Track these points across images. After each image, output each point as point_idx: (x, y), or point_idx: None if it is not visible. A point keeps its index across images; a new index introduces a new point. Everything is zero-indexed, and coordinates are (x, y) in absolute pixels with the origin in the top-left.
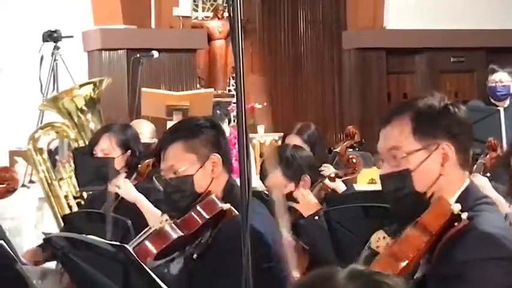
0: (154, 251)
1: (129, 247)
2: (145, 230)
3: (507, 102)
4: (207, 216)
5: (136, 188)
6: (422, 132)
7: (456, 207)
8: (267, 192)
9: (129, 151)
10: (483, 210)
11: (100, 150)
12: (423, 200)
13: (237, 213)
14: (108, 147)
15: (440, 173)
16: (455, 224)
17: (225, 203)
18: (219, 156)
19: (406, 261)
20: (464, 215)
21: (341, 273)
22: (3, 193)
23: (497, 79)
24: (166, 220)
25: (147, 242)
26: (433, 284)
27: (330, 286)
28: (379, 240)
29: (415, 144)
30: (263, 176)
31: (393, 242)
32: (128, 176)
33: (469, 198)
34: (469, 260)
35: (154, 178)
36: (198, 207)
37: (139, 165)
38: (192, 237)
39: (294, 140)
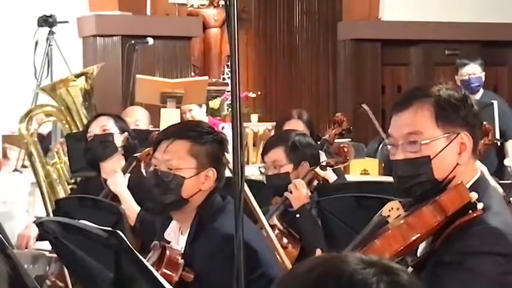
0: (175, 278)
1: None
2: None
3: (479, 94)
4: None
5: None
6: (444, 120)
7: (474, 195)
8: (262, 170)
9: (126, 133)
10: (492, 204)
11: (100, 127)
12: (439, 187)
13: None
14: (107, 125)
15: (457, 162)
16: (470, 211)
17: (199, 214)
18: (216, 172)
19: (417, 235)
20: (480, 205)
21: (352, 257)
22: None
23: (470, 71)
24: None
25: (164, 270)
26: (432, 267)
27: (345, 269)
28: (391, 209)
29: (437, 130)
30: (264, 151)
31: (406, 215)
32: (127, 165)
33: (480, 189)
34: (471, 252)
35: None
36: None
37: (138, 154)
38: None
39: (297, 124)
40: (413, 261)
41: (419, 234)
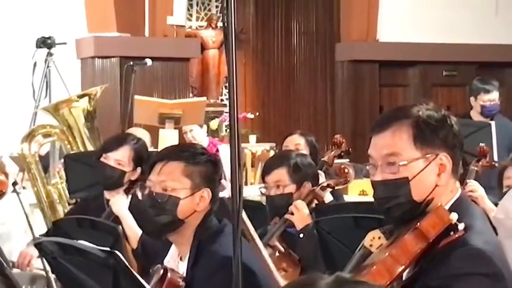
0: None
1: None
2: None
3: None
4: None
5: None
6: (422, 141)
7: (454, 217)
8: (263, 191)
9: (139, 168)
10: (475, 223)
11: (115, 160)
12: (418, 209)
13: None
14: (124, 160)
15: (436, 183)
16: (451, 233)
17: (198, 237)
18: (211, 193)
19: (402, 267)
20: (461, 226)
21: (324, 280)
22: None
23: (492, 98)
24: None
25: None
26: None
27: None
28: (373, 239)
29: (415, 152)
30: (266, 172)
31: (388, 245)
32: (127, 190)
33: (460, 209)
34: (456, 274)
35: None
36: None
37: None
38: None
39: (298, 139)
40: (398, 285)
41: (404, 266)
